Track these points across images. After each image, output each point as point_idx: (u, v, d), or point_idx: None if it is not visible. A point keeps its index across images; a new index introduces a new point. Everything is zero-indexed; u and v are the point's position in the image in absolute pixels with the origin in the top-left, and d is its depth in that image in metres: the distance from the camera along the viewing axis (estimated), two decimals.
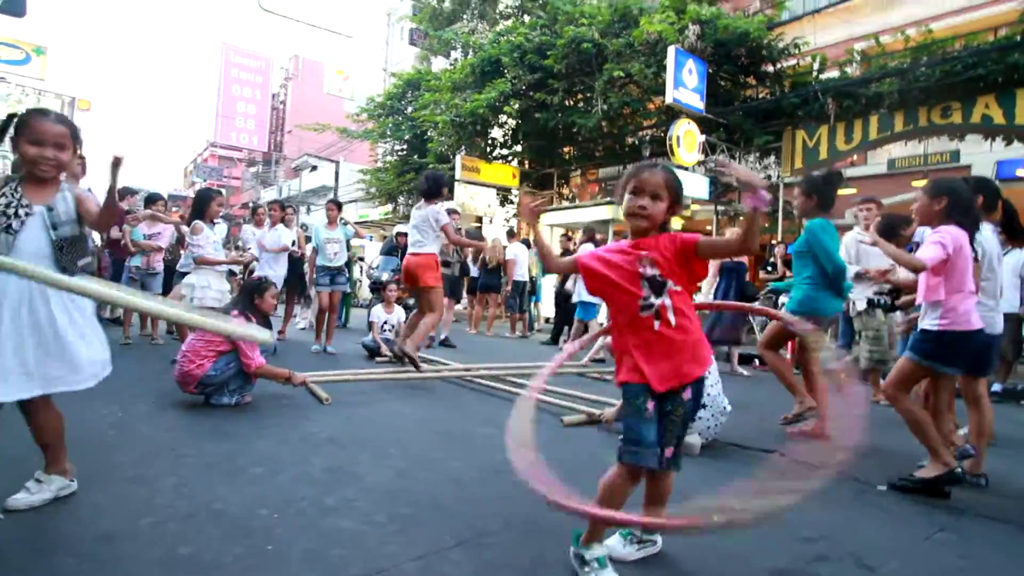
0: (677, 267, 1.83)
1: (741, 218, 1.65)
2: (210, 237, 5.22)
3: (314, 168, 31.28)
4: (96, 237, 6.39)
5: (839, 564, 2.05)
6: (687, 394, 1.82)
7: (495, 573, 1.84)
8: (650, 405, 1.80)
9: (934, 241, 2.74)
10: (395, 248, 9.45)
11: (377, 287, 8.85)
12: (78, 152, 2.31)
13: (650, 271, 1.83)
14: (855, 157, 11.47)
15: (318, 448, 3.05)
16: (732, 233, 1.72)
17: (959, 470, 2.74)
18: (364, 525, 2.14)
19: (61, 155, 2.12)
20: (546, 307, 11.05)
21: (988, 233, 3.11)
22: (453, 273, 8.23)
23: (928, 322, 2.83)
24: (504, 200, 16.16)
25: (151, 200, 6.61)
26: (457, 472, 2.78)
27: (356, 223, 10.87)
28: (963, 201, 2.83)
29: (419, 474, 2.73)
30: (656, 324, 1.80)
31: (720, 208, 13.42)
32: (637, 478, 1.87)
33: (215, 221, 5.45)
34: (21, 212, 2.04)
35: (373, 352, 6.33)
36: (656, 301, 1.81)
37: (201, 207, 5.31)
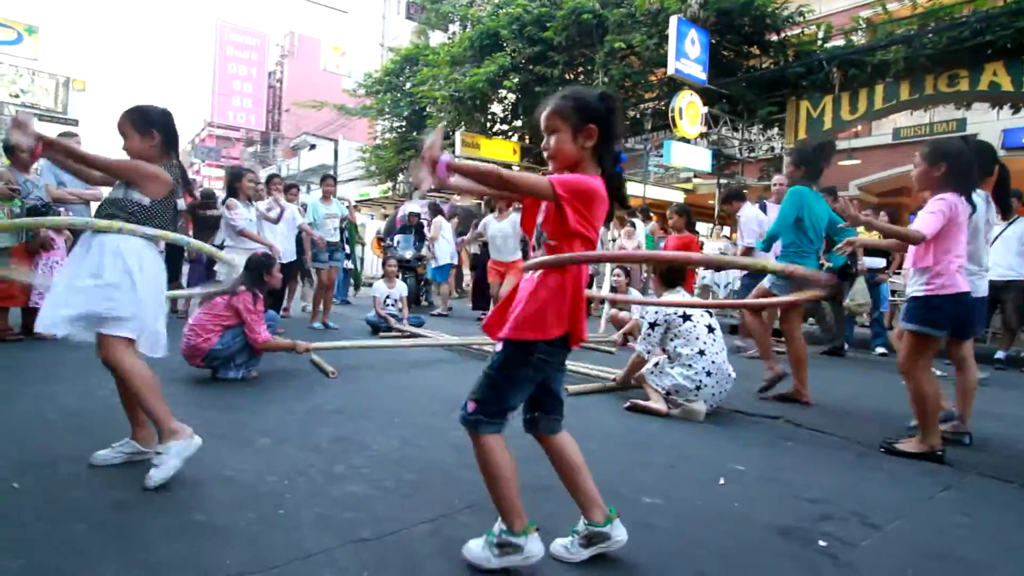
0: (554, 214, 1.60)
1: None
2: (243, 213, 5.34)
3: (313, 147, 31.05)
4: None
5: (844, 523, 2.07)
6: (497, 346, 1.65)
7: None
8: None
9: (933, 211, 2.72)
10: (409, 227, 9.57)
11: (406, 265, 9.16)
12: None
13: (540, 218, 1.68)
14: (859, 127, 11.33)
15: (324, 419, 3.07)
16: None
17: (940, 452, 2.77)
18: (373, 490, 2.16)
19: None
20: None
21: (978, 200, 3.10)
22: None
23: (916, 288, 2.84)
24: None
25: None
26: (462, 440, 2.76)
27: (357, 201, 10.91)
28: (963, 165, 2.80)
29: (424, 442, 2.75)
30: (532, 275, 1.63)
31: (723, 181, 13.32)
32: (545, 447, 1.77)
33: (250, 197, 5.62)
34: None
35: (376, 328, 6.35)
36: (535, 254, 1.68)
37: (232, 184, 5.56)
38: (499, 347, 1.64)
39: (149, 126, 2.26)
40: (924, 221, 2.72)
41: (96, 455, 2.31)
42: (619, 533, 1.73)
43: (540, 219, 1.68)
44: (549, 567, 1.70)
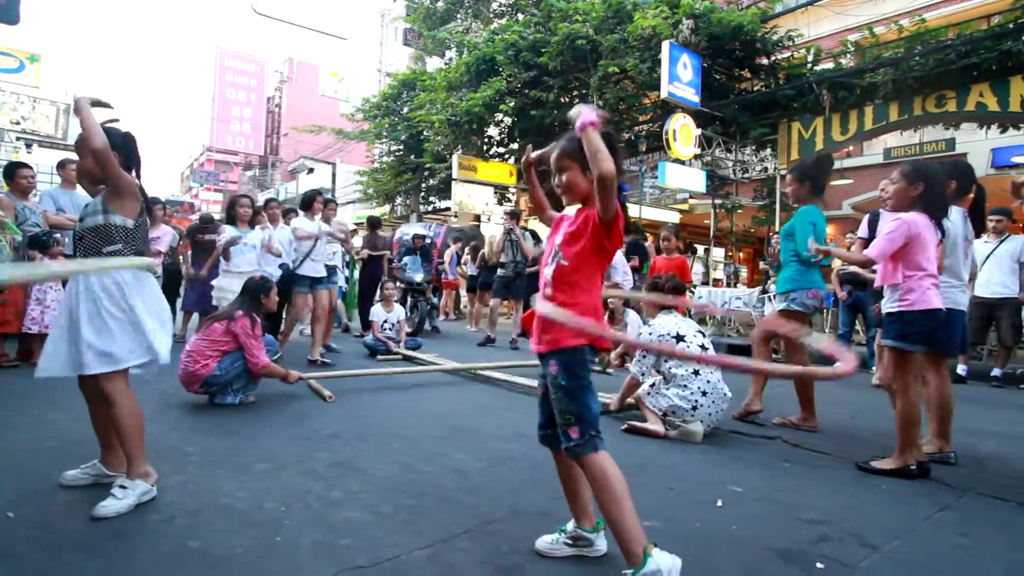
0: (585, 240, 1.74)
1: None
2: (237, 238, 5.38)
3: (311, 170, 31.25)
4: None
5: (842, 544, 2.07)
6: (551, 366, 1.76)
7: (503, 558, 1.86)
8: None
9: (890, 233, 2.83)
10: (413, 249, 9.50)
11: (412, 288, 8.95)
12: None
13: (557, 239, 1.83)
14: (851, 147, 11.49)
15: (322, 444, 3.07)
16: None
17: (912, 468, 2.82)
18: (371, 516, 2.16)
19: None
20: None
21: (956, 216, 3.16)
22: (507, 273, 8.22)
23: (890, 305, 2.93)
24: (501, 198, 16.17)
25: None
26: (461, 463, 2.80)
27: (355, 223, 10.92)
28: (938, 188, 2.92)
29: (423, 466, 2.75)
30: (545, 290, 1.81)
31: (718, 201, 13.45)
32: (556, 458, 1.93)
33: (250, 222, 5.72)
34: None
35: (375, 351, 6.35)
36: (547, 269, 1.82)
37: (229, 212, 5.74)
38: (554, 367, 1.74)
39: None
40: (876, 245, 2.84)
41: (64, 475, 2.35)
42: (601, 543, 1.88)
43: (559, 240, 1.81)
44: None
